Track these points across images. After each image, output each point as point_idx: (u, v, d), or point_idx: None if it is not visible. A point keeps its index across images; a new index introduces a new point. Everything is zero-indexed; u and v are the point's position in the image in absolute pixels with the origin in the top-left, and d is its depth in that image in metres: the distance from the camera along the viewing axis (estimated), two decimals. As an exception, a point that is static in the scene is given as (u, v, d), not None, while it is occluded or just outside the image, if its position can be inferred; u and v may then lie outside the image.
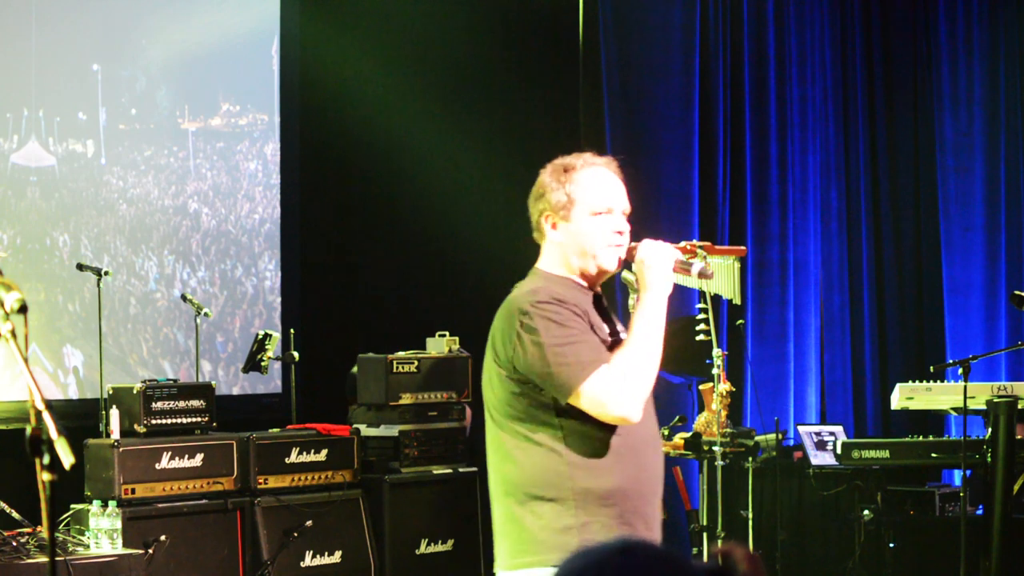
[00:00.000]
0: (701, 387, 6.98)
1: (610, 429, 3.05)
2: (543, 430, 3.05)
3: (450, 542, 6.87)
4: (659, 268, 3.12)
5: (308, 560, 6.33)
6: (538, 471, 3.04)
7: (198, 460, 6.12)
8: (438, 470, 6.92)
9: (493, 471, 3.19)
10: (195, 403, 6.27)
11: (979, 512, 6.85)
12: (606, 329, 3.17)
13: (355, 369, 6.94)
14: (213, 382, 6.72)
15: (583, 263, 3.18)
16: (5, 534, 5.45)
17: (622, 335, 3.18)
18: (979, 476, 6.29)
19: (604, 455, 3.04)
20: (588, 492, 3.02)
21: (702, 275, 3.18)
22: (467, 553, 6.93)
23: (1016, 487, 6.17)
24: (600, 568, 1.44)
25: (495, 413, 3.16)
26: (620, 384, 2.98)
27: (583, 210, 3.17)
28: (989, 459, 5.90)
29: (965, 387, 5.80)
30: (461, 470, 6.99)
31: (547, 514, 3.03)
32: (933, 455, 6.58)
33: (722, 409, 6.37)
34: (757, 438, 6.91)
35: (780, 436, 7.09)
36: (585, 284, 3.19)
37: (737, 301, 6.88)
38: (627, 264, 3.25)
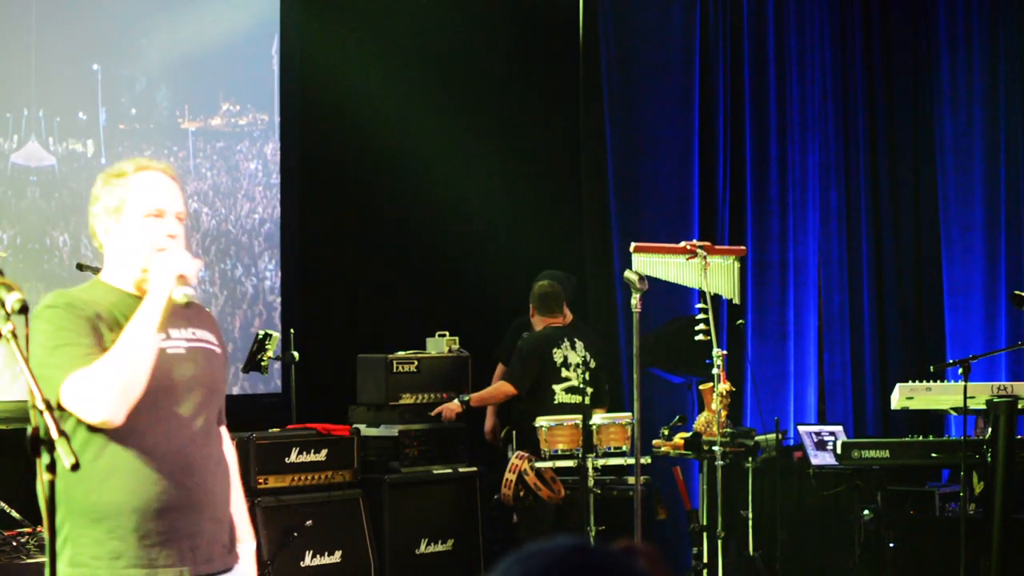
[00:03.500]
0: (701, 387, 6.98)
1: (121, 439, 2.99)
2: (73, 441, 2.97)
3: (450, 542, 6.87)
4: (164, 275, 3.02)
5: (308, 560, 6.33)
6: (65, 485, 2.93)
7: (198, 460, 6.12)
8: (438, 470, 6.92)
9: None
10: (195, 403, 6.26)
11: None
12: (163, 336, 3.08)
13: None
14: (213, 382, 6.71)
15: (134, 267, 3.11)
16: (5, 534, 5.45)
17: (184, 343, 3.13)
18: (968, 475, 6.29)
19: (111, 468, 2.99)
20: (87, 505, 2.98)
21: (184, 298, 3.02)
22: (467, 553, 6.93)
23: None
24: (555, 568, 1.46)
25: None
26: (96, 384, 2.91)
27: (134, 213, 3.12)
28: (989, 459, 5.90)
29: (965, 387, 5.80)
30: (461, 470, 7.00)
31: (79, 530, 3.01)
32: (933, 455, 6.58)
33: (722, 409, 6.37)
34: (757, 438, 6.91)
35: (780, 436, 7.09)
36: (135, 291, 3.12)
37: (737, 301, 6.92)
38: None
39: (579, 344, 6.96)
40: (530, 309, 7.14)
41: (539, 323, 7.07)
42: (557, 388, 6.84)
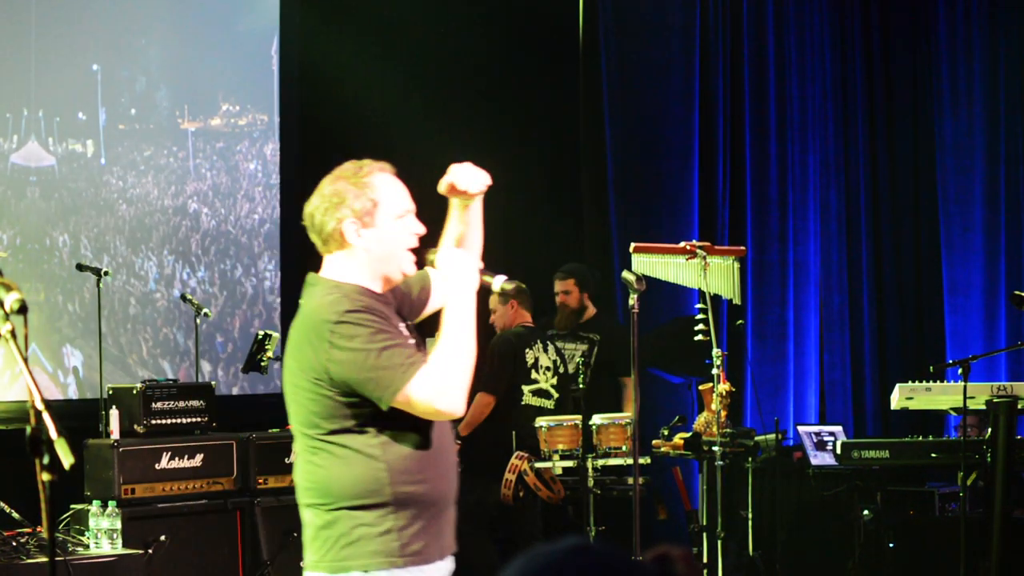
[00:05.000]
0: (701, 387, 6.97)
1: (425, 435, 3.11)
2: (360, 438, 3.08)
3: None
4: (465, 273, 3.18)
5: (308, 560, 6.32)
6: (356, 479, 3.07)
7: (198, 460, 6.12)
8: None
9: (303, 479, 3.20)
10: (195, 403, 6.27)
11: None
12: (405, 332, 3.20)
13: None
14: (213, 382, 6.72)
15: (386, 268, 3.20)
16: (5, 534, 5.45)
17: (411, 338, 3.21)
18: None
19: (419, 460, 3.10)
20: (406, 496, 3.08)
21: (503, 289, 3.26)
22: (465, 553, 6.91)
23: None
24: (559, 569, 1.47)
25: (304, 425, 3.20)
26: (442, 380, 3.03)
27: (387, 214, 3.18)
28: (989, 459, 5.90)
29: (965, 387, 5.80)
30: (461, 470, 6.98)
31: (367, 520, 3.07)
32: (933, 455, 6.58)
33: (722, 409, 6.37)
34: (757, 438, 6.90)
35: (780, 436, 7.08)
36: (380, 290, 3.21)
37: (737, 301, 6.92)
38: (421, 265, 3.30)
39: (551, 347, 6.90)
40: (507, 303, 6.86)
41: (516, 318, 6.89)
42: (526, 389, 6.75)
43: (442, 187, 3.40)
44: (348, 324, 3.04)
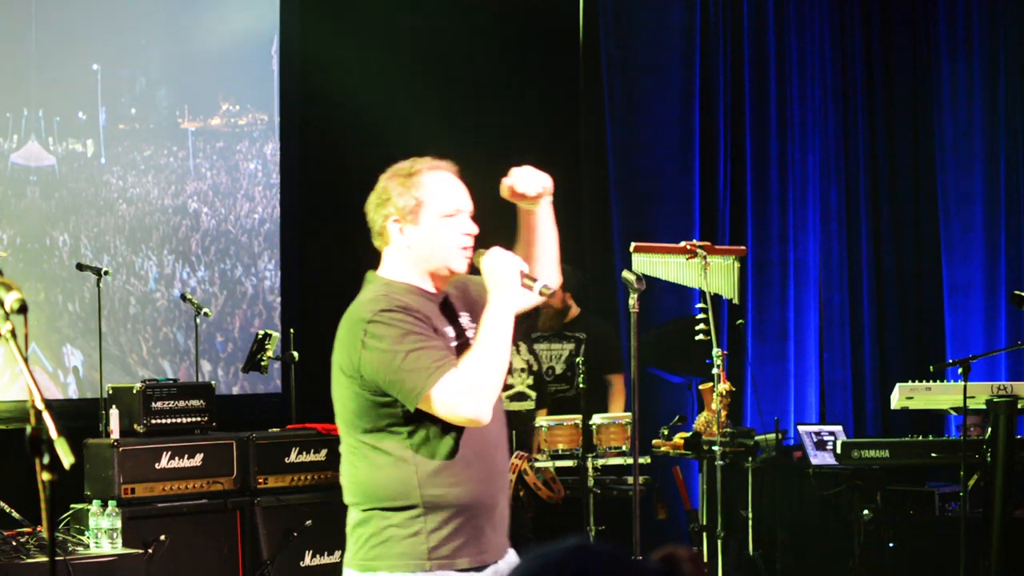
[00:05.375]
0: (701, 387, 6.98)
1: (458, 437, 3.09)
2: (391, 439, 3.09)
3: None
4: (503, 277, 3.13)
5: (308, 560, 6.32)
6: (387, 480, 3.09)
7: (198, 460, 6.12)
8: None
9: (344, 478, 3.23)
10: (195, 403, 6.27)
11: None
12: (451, 332, 3.18)
13: None
14: (213, 382, 6.72)
15: (432, 266, 3.19)
16: (5, 534, 5.45)
17: (469, 335, 3.20)
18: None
19: (453, 464, 3.09)
20: (437, 499, 3.08)
21: (542, 293, 3.18)
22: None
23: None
24: (560, 568, 1.47)
25: (344, 424, 3.21)
26: (468, 386, 3.01)
27: (432, 213, 3.18)
28: (989, 459, 5.90)
29: (965, 387, 5.80)
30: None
31: (396, 521, 3.08)
32: (933, 455, 6.58)
33: (722, 409, 6.37)
34: (757, 438, 6.90)
35: (780, 436, 7.09)
36: (432, 288, 3.21)
37: (737, 301, 6.92)
38: (474, 268, 3.27)
39: (523, 346, 6.82)
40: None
41: None
42: (503, 396, 6.67)
43: (503, 191, 3.36)
44: (380, 324, 3.05)
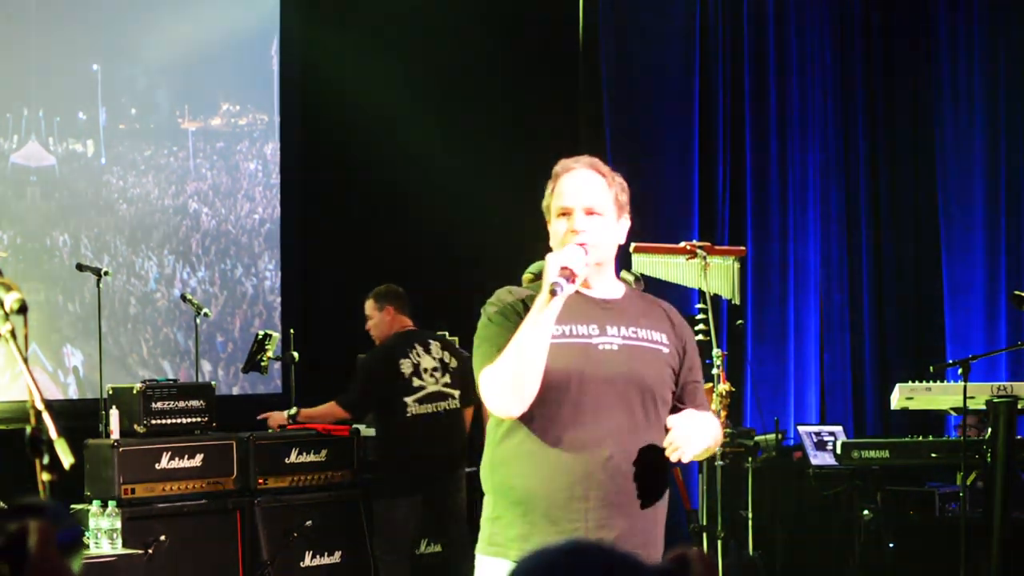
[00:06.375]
0: (701, 387, 6.96)
1: (530, 432, 3.13)
2: (491, 428, 3.25)
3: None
4: (546, 277, 3.13)
5: (308, 560, 6.32)
6: (483, 466, 3.26)
7: (198, 460, 6.12)
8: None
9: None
10: (195, 403, 6.27)
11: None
12: (561, 330, 3.15)
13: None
14: (213, 382, 6.72)
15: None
16: (5, 534, 5.44)
17: (597, 341, 3.19)
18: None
19: (519, 456, 3.14)
20: (497, 488, 3.19)
21: (552, 291, 3.10)
22: (468, 552, 6.92)
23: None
24: (551, 568, 1.47)
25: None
26: (492, 380, 3.09)
27: (553, 213, 3.35)
28: (989, 459, 5.90)
29: (965, 387, 5.80)
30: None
31: (486, 504, 3.25)
32: (933, 455, 6.58)
33: (722, 409, 6.37)
34: (757, 438, 6.91)
35: (780, 436, 7.09)
36: (577, 282, 3.20)
37: (737, 301, 6.92)
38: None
39: (434, 344, 6.49)
40: (381, 308, 6.52)
41: (393, 324, 6.50)
42: (409, 400, 6.30)
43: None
44: (481, 316, 3.23)
